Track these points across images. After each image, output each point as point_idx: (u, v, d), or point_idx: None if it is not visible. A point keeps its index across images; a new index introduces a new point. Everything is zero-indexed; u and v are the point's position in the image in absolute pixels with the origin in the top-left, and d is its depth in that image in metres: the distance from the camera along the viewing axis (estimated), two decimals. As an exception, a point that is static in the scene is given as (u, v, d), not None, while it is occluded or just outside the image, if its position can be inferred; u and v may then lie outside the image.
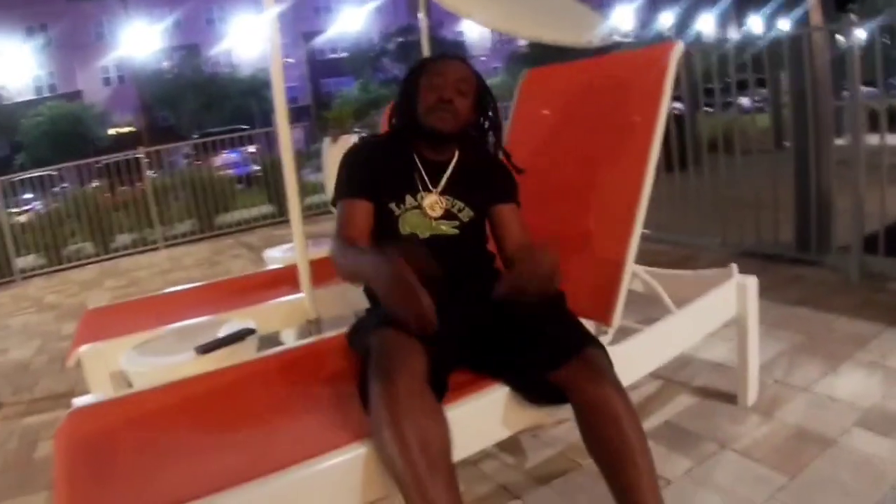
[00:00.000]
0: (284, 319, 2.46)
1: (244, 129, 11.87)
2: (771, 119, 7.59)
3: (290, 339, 2.81)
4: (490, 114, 1.83)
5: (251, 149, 11.32)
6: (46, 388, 3.47)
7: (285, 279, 2.61)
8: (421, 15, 4.13)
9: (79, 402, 1.78)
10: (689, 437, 1.99)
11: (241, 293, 2.65)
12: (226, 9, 33.70)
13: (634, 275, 2.13)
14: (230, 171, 9.92)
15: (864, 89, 3.33)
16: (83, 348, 2.26)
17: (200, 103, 28.86)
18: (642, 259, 3.98)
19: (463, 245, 1.73)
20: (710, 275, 2.11)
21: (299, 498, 1.24)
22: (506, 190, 1.82)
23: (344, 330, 1.78)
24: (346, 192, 1.73)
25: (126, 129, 30.06)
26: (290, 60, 36.32)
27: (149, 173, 8.52)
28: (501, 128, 1.88)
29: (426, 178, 1.76)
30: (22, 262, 7.82)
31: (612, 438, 1.31)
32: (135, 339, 2.25)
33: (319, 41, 35.76)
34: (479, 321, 1.56)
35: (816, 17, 3.58)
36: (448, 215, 1.73)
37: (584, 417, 1.35)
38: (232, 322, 2.17)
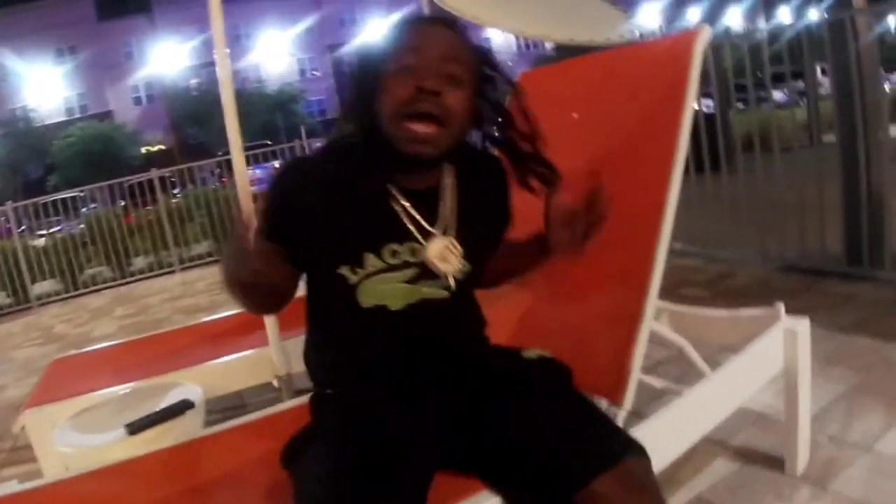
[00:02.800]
0: (251, 375, 2.15)
1: (268, 145, 11.83)
2: (808, 113, 7.14)
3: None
4: (497, 110, 1.20)
5: (277, 164, 11.22)
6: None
7: (257, 324, 2.29)
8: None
9: (3, 490, 1.50)
10: (724, 519, 1.62)
11: (209, 341, 2.40)
12: (252, 24, 33.97)
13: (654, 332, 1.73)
14: (254, 189, 9.76)
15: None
16: (28, 412, 2.06)
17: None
18: (671, 278, 3.64)
19: (453, 311, 1.21)
20: (752, 317, 1.73)
21: None
22: (504, 232, 1.32)
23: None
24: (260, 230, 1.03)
25: (156, 148, 30.49)
26: (316, 73, 36.57)
27: (174, 192, 8.41)
28: (537, 134, 1.20)
29: (411, 215, 1.16)
30: (38, 288, 7.76)
31: None
32: (79, 402, 2.02)
33: (345, 53, 35.93)
34: (468, 410, 1.15)
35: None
36: (429, 273, 1.17)
37: None
38: (179, 388, 1.87)
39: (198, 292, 6.52)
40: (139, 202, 8.72)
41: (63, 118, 30.24)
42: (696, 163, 4.06)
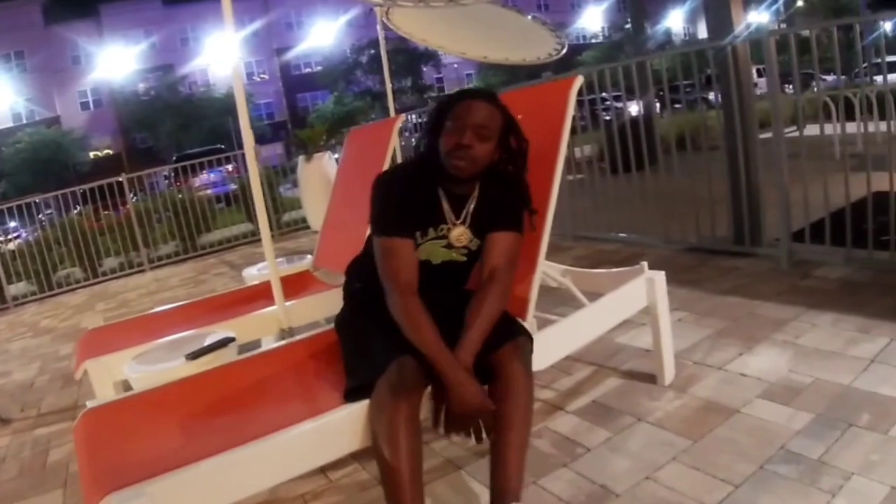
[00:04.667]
0: (261, 329, 2.79)
1: (221, 150, 12.03)
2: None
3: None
4: (515, 150, 1.88)
5: (229, 167, 11.56)
6: (51, 404, 3.73)
7: (262, 294, 2.93)
8: (379, 28, 4.47)
9: (91, 403, 2.05)
10: (610, 412, 2.31)
11: (223, 308, 2.96)
12: (199, 28, 33.87)
13: (549, 276, 2.49)
14: (209, 191, 10.17)
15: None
16: (88, 362, 2.58)
17: (178, 124, 29.07)
18: (594, 259, 4.35)
19: (466, 269, 1.95)
20: (625, 272, 2.44)
21: (288, 454, 1.57)
22: (509, 214, 1.90)
23: (313, 333, 2.10)
24: (390, 230, 1.81)
25: (104, 153, 30.18)
26: (264, 77, 36.65)
27: (129, 196, 8.75)
28: (526, 156, 1.91)
29: (450, 210, 1.88)
30: (14, 289, 8.04)
31: (503, 409, 1.63)
32: (132, 352, 2.56)
33: (293, 56, 36.09)
34: (454, 316, 1.81)
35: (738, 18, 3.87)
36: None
37: (493, 387, 1.67)
38: (215, 333, 2.48)
39: (173, 287, 6.91)
40: (99, 206, 8.92)
41: (10, 124, 29.80)
42: (623, 163, 4.81)
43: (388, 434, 1.55)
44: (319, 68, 35.63)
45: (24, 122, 30.48)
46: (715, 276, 3.64)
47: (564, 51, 4.52)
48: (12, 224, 9.69)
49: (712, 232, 4.10)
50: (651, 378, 2.49)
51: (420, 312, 1.71)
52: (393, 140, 3.02)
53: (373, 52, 30.91)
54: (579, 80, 2.19)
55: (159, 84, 30.84)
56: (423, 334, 1.67)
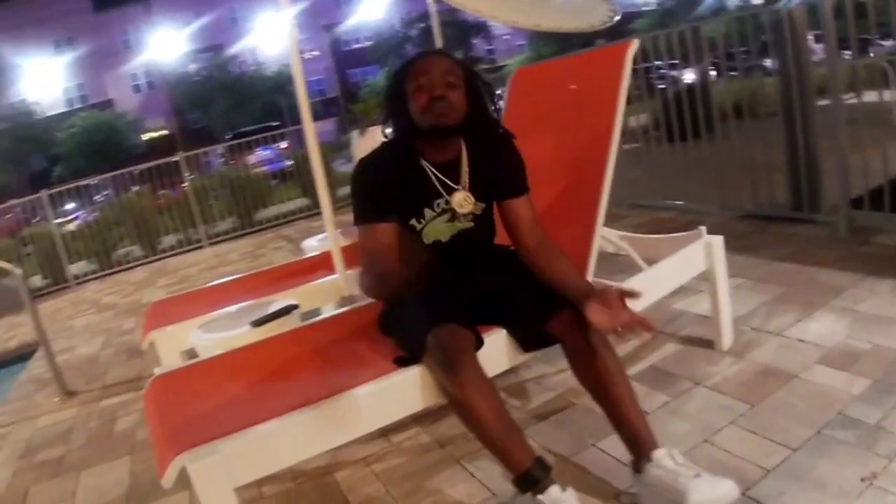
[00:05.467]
0: (323, 297, 2.87)
1: (275, 127, 12.23)
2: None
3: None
4: (484, 99, 1.83)
5: (283, 145, 11.73)
6: (116, 376, 3.91)
7: (322, 264, 3.01)
8: (430, 2, 4.46)
9: (158, 370, 2.16)
10: (668, 377, 2.32)
11: (284, 278, 3.05)
12: (248, 7, 34.13)
13: (607, 240, 2.52)
14: (264, 168, 10.36)
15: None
16: (154, 332, 2.70)
17: (230, 103, 29.47)
18: (651, 227, 4.32)
19: (476, 234, 1.90)
20: (683, 237, 2.42)
21: (350, 415, 1.63)
22: (516, 183, 1.89)
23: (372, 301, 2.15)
24: (367, 216, 1.79)
25: (158, 134, 30.84)
26: (314, 53, 36.81)
27: (186, 175, 8.97)
28: (497, 107, 1.89)
29: (443, 180, 1.82)
30: (75, 268, 8.38)
31: (598, 369, 1.67)
32: (197, 321, 2.67)
33: (342, 32, 36.15)
34: (487, 288, 1.88)
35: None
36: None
37: (574, 357, 1.72)
38: (277, 302, 2.56)
39: (232, 261, 7.07)
40: (156, 185, 9.26)
41: (64, 109, 30.60)
42: (680, 131, 4.73)
43: (462, 400, 1.57)
44: (369, 43, 35.56)
45: (78, 106, 31.28)
46: (772, 242, 3.58)
47: (618, 17, 4.44)
48: (70, 206, 10.04)
49: (770, 199, 4.02)
50: (709, 344, 2.48)
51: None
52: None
53: (422, 25, 30.68)
54: (635, 45, 2.17)
55: (210, 64, 31.27)
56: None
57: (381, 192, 1.79)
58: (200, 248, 8.60)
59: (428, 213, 1.84)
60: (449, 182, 1.83)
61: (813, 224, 3.74)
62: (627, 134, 5.26)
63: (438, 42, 4.84)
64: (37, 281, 8.37)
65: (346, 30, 36.07)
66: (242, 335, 2.32)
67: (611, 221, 4.69)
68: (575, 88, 2.06)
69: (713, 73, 5.73)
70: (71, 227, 9.23)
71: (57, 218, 8.89)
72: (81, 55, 31.72)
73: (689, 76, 6.19)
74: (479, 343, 1.71)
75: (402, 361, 1.73)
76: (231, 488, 1.46)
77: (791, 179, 3.89)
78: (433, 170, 1.82)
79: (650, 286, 2.17)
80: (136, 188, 9.79)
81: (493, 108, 1.88)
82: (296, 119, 11.27)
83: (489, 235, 1.97)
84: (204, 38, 33.19)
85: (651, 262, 2.40)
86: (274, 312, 2.42)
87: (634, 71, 4.87)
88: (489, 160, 1.87)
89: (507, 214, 1.89)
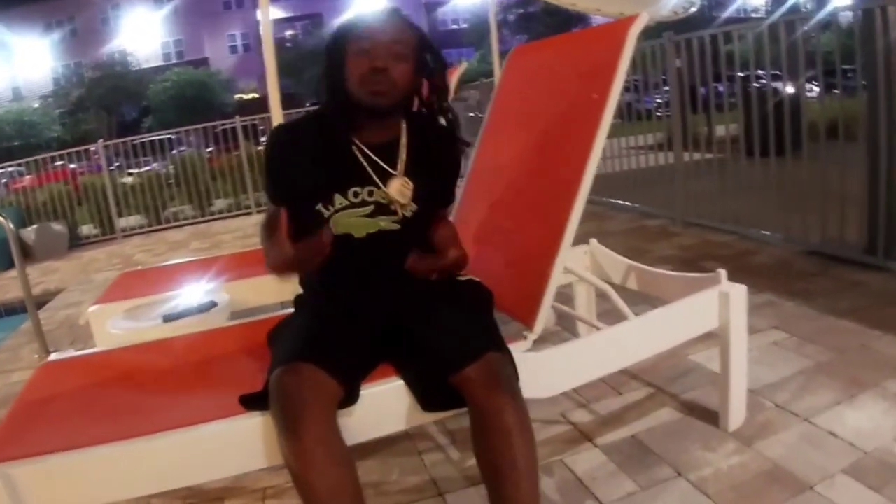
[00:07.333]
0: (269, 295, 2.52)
1: None
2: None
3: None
4: (436, 79, 1.53)
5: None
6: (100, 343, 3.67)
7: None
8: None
9: (54, 356, 1.93)
10: (648, 457, 1.83)
11: (249, 265, 2.71)
12: (351, -22, 34.28)
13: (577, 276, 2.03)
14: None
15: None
16: (92, 308, 2.48)
17: (320, 72, 29.83)
18: (698, 250, 3.77)
19: (404, 239, 1.54)
20: (696, 279, 1.92)
21: (202, 453, 1.37)
22: (450, 189, 1.65)
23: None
24: (270, 196, 1.57)
25: (250, 96, 31.45)
26: (412, 31, 36.71)
27: (262, 140, 8.80)
28: (446, 81, 1.57)
29: (375, 162, 1.50)
30: (124, 221, 8.39)
31: (498, 452, 1.24)
32: (132, 303, 2.41)
33: (441, 11, 35.91)
34: (398, 320, 1.49)
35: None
36: (383, 208, 1.51)
37: (474, 425, 1.29)
38: (212, 295, 2.26)
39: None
40: (227, 147, 9.22)
41: (160, 63, 31.58)
42: (761, 146, 4.07)
43: (296, 472, 1.21)
44: (466, 25, 35.10)
45: (174, 61, 32.16)
46: (833, 290, 2.99)
47: (694, 9, 3.91)
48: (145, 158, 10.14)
49: (840, 235, 3.41)
50: (713, 418, 1.97)
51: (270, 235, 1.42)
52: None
53: (521, 11, 30.03)
54: (642, 20, 1.67)
55: (305, 32, 31.64)
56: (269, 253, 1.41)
57: (286, 170, 1.50)
58: (249, 214, 8.47)
59: (338, 199, 1.48)
60: (385, 166, 1.51)
61: (886, 273, 3.12)
62: (689, 142, 4.71)
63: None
64: (87, 230, 8.46)
65: (445, 10, 35.78)
66: (151, 329, 2.06)
67: (658, 239, 4.27)
68: (597, 98, 1.63)
69: (814, 86, 5.05)
70: (129, 180, 9.27)
71: (131, 168, 9.01)
72: (181, 11, 32.53)
73: (789, 88, 5.52)
74: (351, 397, 1.33)
75: (250, 403, 1.35)
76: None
77: (869, 215, 3.27)
78: (367, 150, 1.51)
79: (633, 341, 1.70)
80: (210, 148, 9.81)
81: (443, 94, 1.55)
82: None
83: (417, 243, 1.58)
84: (304, 6, 33.56)
85: (659, 303, 1.92)
86: (188, 309, 2.09)
87: (730, 78, 4.32)
88: (428, 155, 1.55)
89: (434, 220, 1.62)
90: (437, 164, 1.57)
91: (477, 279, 1.66)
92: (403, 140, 1.53)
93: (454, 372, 1.29)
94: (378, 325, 1.48)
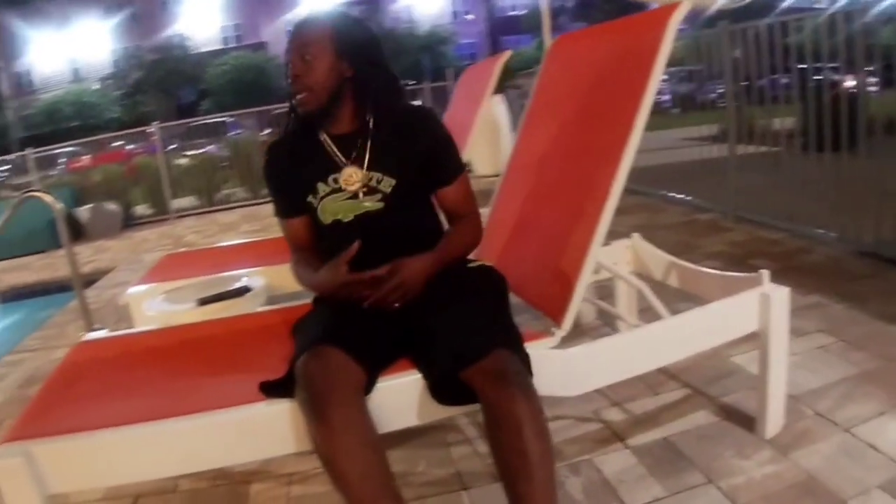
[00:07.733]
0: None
1: (410, 84, 12.02)
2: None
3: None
4: (380, 66, 1.61)
5: (418, 103, 11.48)
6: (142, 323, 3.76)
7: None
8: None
9: (88, 336, 1.98)
10: (678, 461, 1.78)
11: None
12: (406, -34, 34.29)
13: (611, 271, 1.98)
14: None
15: None
16: (130, 290, 2.53)
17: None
18: (748, 247, 3.65)
19: (391, 219, 1.60)
20: (737, 279, 1.86)
21: (237, 434, 1.37)
22: (448, 167, 1.67)
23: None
24: (277, 211, 1.72)
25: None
26: (470, 16, 36.50)
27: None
28: (394, 79, 1.66)
29: (338, 154, 1.61)
30: (177, 203, 8.59)
31: (511, 446, 1.22)
32: (170, 285, 2.47)
33: (501, -2, 35.63)
34: (407, 310, 1.51)
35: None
36: (369, 190, 1.59)
37: (486, 421, 1.28)
38: (248, 279, 2.30)
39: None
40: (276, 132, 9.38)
41: (218, 47, 32.06)
42: (817, 140, 3.93)
43: (326, 455, 1.22)
44: (525, 11, 34.71)
45: (232, 45, 32.55)
46: (885, 293, 2.85)
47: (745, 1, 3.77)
48: (200, 140, 10.37)
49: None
50: (750, 423, 1.90)
51: (300, 265, 1.63)
52: (492, 81, 2.60)
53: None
54: (684, 8, 1.60)
55: (364, 17, 31.72)
56: (309, 279, 1.59)
57: (287, 180, 1.66)
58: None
59: (321, 187, 1.61)
60: (339, 156, 1.62)
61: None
62: (743, 135, 4.56)
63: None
64: (141, 210, 8.68)
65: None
66: (185, 312, 2.10)
67: (708, 234, 4.16)
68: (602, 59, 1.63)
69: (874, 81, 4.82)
70: (183, 161, 9.48)
71: (186, 150, 9.20)
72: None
73: (850, 82, 5.28)
74: (368, 387, 1.33)
75: (270, 390, 1.35)
76: (42, 494, 1.28)
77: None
78: (330, 142, 1.63)
79: (672, 341, 1.65)
80: (265, 132, 9.97)
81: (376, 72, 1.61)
82: (438, 80, 11.02)
83: (408, 222, 1.64)
84: (360, -7, 33.58)
85: (703, 302, 1.85)
86: (223, 293, 2.12)
87: (788, 70, 4.16)
88: (402, 135, 1.62)
89: (439, 200, 1.71)
90: (413, 140, 1.62)
91: (489, 264, 1.70)
92: (370, 132, 1.61)
93: (463, 368, 1.29)
94: (391, 317, 1.49)
